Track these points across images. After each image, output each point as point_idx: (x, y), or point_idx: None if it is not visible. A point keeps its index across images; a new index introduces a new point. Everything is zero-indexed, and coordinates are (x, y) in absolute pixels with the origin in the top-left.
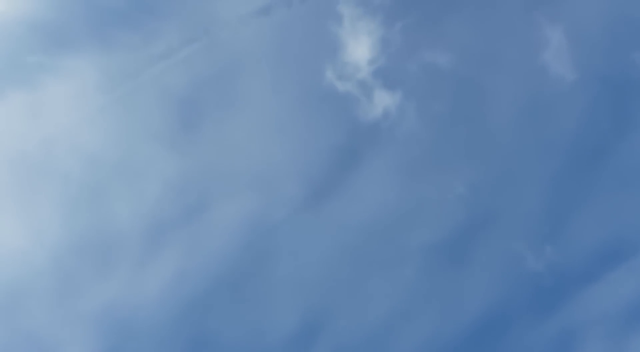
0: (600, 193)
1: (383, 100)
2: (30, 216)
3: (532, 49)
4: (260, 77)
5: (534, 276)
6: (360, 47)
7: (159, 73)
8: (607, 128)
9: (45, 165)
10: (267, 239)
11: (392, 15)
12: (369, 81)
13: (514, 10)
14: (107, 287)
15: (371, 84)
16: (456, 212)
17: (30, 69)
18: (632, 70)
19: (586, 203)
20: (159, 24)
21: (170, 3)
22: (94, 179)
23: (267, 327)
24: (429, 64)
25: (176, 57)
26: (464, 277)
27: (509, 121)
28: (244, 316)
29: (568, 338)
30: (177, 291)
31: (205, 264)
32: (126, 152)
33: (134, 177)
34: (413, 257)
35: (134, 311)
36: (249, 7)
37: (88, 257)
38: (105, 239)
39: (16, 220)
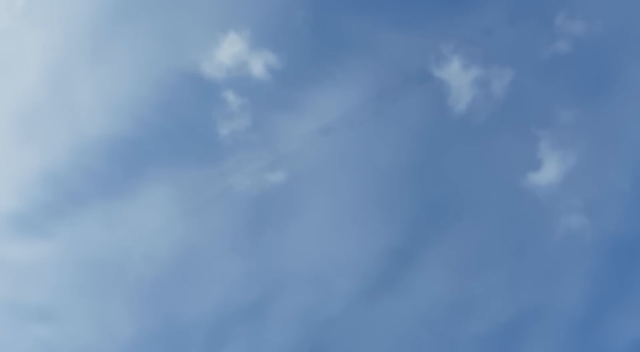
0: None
1: None
2: (104, 315)
3: None
4: (319, 186)
5: None
6: None
7: (228, 185)
8: None
9: (120, 270)
10: (324, 332)
11: None
12: None
13: None
14: None
15: None
16: (504, 304)
17: (111, 181)
18: None
19: (626, 299)
20: (229, 148)
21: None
22: (164, 281)
23: None
24: None
25: (243, 171)
26: None
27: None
28: None
29: None
30: None
31: None
32: (195, 256)
33: (201, 277)
34: (467, 348)
35: None
36: (312, 126)
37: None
38: (173, 334)
39: (90, 319)
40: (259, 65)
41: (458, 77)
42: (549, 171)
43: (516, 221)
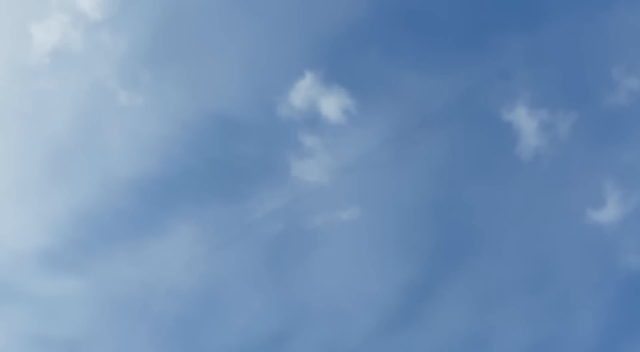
0: None
1: None
2: (129, 348)
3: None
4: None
5: None
6: None
7: (250, 225)
8: None
9: (145, 305)
10: None
11: None
12: None
13: None
14: None
15: None
16: (522, 337)
17: (137, 224)
18: None
19: None
20: (251, 186)
21: (260, 168)
22: (188, 315)
23: None
24: None
25: (265, 211)
26: None
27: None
28: None
29: None
30: None
31: None
32: (217, 291)
33: (224, 312)
34: None
35: None
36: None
37: None
38: None
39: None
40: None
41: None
42: (611, 210)
43: (577, 256)
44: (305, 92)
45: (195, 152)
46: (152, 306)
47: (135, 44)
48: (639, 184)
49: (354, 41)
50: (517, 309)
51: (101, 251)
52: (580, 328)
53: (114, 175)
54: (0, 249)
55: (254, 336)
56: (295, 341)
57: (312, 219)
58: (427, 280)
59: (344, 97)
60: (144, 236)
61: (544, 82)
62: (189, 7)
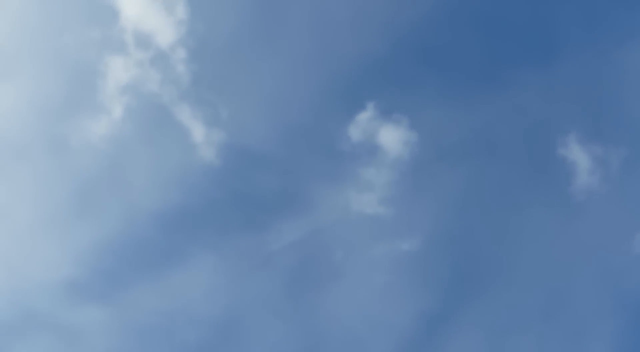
0: None
1: None
2: None
3: None
4: (357, 252)
5: None
6: None
7: (270, 255)
8: None
9: (167, 334)
10: None
11: None
12: None
13: None
14: None
15: None
16: None
17: (160, 254)
18: None
19: None
20: (272, 217)
21: (281, 198)
22: (208, 344)
23: None
24: None
25: (285, 241)
26: None
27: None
28: None
29: None
30: None
31: None
32: (237, 320)
33: (243, 341)
34: None
35: None
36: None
37: None
38: None
39: None
40: None
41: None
42: None
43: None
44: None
45: (220, 183)
46: (174, 335)
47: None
48: None
49: (374, 75)
50: (532, 338)
51: (125, 280)
52: None
53: (138, 207)
54: (28, 279)
55: None
56: None
57: (332, 250)
58: (443, 309)
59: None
60: (166, 266)
61: (566, 117)
62: (249, 42)
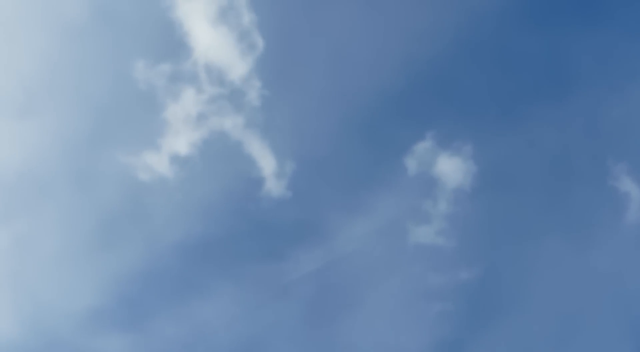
0: None
1: None
2: None
3: None
4: (377, 286)
5: None
6: None
7: (288, 285)
8: None
9: None
10: None
11: None
12: None
13: None
14: None
15: None
16: None
17: (180, 284)
18: None
19: None
20: (290, 247)
21: (301, 229)
22: None
23: None
24: None
25: (304, 271)
26: None
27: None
28: None
29: None
30: None
31: None
32: (257, 347)
33: None
34: None
35: None
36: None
37: None
38: None
39: None
40: None
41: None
42: None
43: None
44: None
45: (239, 214)
46: None
47: None
48: None
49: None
50: None
51: (147, 309)
52: None
53: (159, 238)
54: (53, 308)
55: None
56: None
57: (350, 279)
58: (459, 337)
59: None
60: (186, 296)
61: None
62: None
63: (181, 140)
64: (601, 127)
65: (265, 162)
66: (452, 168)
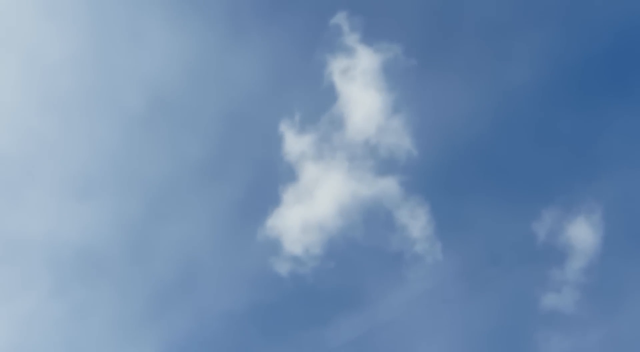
0: None
1: None
2: None
3: None
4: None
5: None
6: None
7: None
8: None
9: None
10: None
11: None
12: None
13: None
14: None
15: None
16: None
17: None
18: None
19: None
20: (333, 314)
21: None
22: None
23: None
24: None
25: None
26: None
27: None
28: None
29: None
30: None
31: None
32: None
33: None
34: None
35: None
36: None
37: None
38: None
39: None
40: None
41: None
42: None
43: None
44: None
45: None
46: None
47: None
48: None
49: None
50: None
51: None
52: None
53: (207, 308)
54: None
55: None
56: None
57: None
58: None
59: None
60: None
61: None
62: None
63: None
64: None
65: None
66: None
